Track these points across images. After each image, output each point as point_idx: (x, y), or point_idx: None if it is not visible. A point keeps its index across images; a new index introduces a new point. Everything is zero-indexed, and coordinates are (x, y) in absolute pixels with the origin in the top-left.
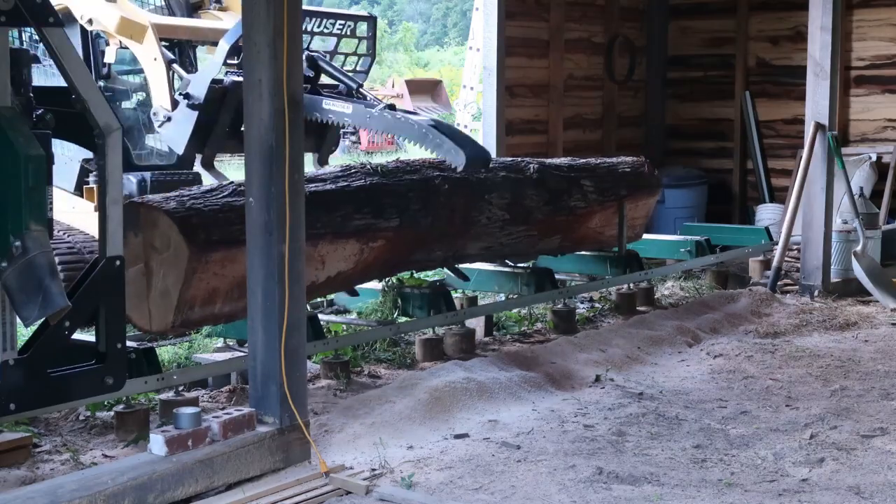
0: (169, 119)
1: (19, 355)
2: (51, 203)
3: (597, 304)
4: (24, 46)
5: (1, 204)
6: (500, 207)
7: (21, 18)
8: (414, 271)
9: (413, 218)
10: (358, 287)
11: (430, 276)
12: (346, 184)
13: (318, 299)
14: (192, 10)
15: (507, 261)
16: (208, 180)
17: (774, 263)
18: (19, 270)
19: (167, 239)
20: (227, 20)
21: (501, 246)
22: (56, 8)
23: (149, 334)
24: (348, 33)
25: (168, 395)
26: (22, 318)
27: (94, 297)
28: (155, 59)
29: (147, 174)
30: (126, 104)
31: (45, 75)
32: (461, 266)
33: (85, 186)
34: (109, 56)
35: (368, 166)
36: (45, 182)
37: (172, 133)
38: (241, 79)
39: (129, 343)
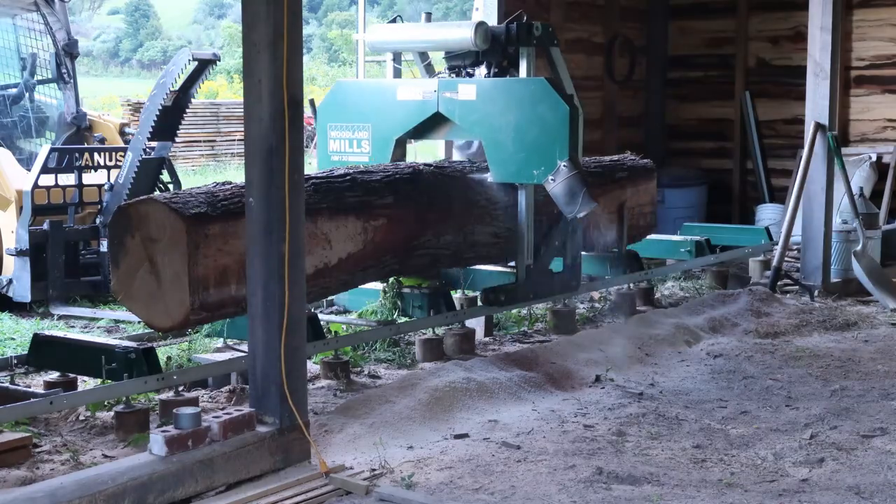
0: (11, 281)
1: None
2: (581, 144)
3: (597, 304)
4: (25, 56)
5: (552, 143)
6: (494, 189)
7: (547, 41)
8: (426, 264)
9: (408, 196)
10: (358, 287)
11: None
12: (329, 173)
13: (323, 299)
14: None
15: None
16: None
17: (774, 263)
18: (565, 182)
19: (162, 224)
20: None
21: (511, 233)
22: None
23: (172, 332)
24: None
25: (168, 395)
26: (566, 212)
27: (563, 230)
28: (12, 232)
29: None
30: None
31: None
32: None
33: None
34: None
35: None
36: (576, 128)
37: (17, 289)
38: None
39: (128, 343)
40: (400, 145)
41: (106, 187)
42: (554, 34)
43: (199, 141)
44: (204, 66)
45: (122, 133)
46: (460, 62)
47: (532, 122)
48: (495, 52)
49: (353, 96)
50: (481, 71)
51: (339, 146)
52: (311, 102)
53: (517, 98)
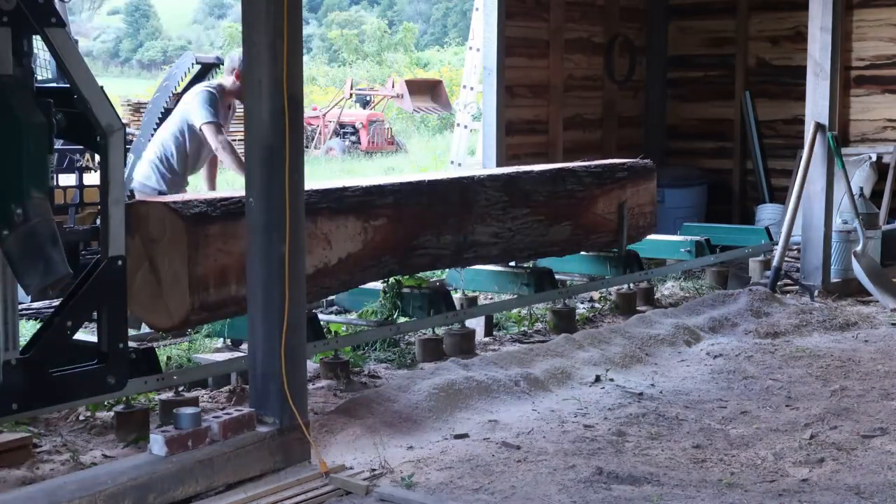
0: None
1: (21, 355)
2: (53, 171)
3: (597, 304)
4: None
5: (2, 171)
6: (495, 189)
7: (23, 19)
8: (426, 264)
9: (408, 195)
10: (358, 287)
11: (431, 276)
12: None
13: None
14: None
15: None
16: None
17: (774, 263)
18: (21, 237)
19: (162, 224)
20: None
21: (511, 233)
22: None
23: (171, 332)
24: None
25: (168, 395)
26: (24, 285)
27: (96, 296)
28: None
29: None
30: None
31: None
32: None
33: None
34: None
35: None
36: (46, 150)
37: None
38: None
39: (129, 343)
40: None
41: None
42: (51, 9)
43: None
44: (207, 69)
45: None
46: None
47: None
48: None
49: None
50: None
51: None
52: None
53: None
